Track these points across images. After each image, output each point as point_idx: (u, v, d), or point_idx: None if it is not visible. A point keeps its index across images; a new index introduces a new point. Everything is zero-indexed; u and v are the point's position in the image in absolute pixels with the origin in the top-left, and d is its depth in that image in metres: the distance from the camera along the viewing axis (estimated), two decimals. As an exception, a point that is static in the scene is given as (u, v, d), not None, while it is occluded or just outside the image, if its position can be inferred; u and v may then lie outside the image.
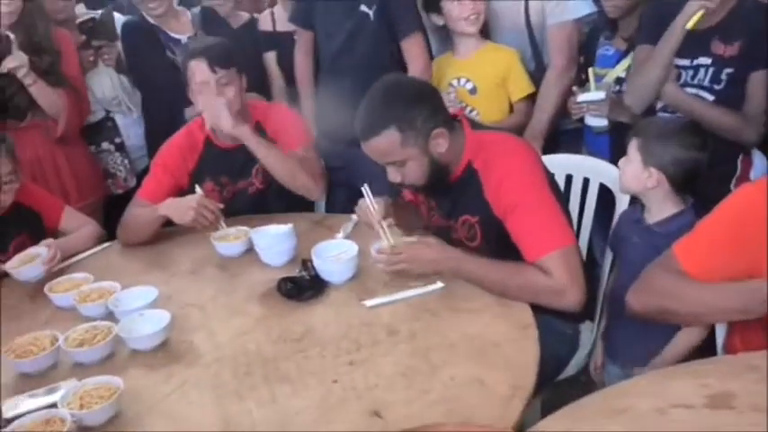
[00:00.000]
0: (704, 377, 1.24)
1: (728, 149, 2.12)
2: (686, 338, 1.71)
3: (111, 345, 1.60)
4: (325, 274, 1.83)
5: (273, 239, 2.00)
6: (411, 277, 1.77)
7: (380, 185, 1.93)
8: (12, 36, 2.40)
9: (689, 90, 2.16)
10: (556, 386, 1.95)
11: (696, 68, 2.15)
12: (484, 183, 1.80)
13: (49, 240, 2.07)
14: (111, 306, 1.75)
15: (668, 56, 2.13)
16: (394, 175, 1.83)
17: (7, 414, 1.38)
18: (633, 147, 1.83)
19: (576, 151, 2.52)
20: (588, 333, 2.05)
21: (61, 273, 2.01)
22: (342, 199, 2.49)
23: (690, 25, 2.07)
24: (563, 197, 1.97)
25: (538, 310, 1.65)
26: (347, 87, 2.55)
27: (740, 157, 2.12)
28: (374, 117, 1.76)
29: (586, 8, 2.50)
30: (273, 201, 2.32)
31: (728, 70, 2.10)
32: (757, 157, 2.12)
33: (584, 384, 2.00)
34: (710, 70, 2.12)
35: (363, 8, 2.56)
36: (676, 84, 2.16)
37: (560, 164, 2.23)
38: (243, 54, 2.48)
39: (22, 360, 1.56)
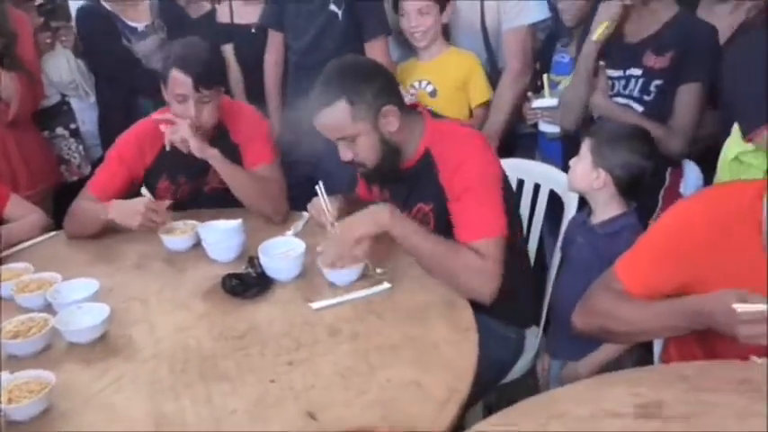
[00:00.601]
0: (637, 385, 1.27)
1: (657, 161, 2.15)
2: (610, 349, 1.77)
3: (46, 337, 1.57)
4: (271, 272, 1.81)
5: (221, 235, 1.98)
6: (353, 251, 1.75)
7: (342, 183, 1.92)
8: None
9: (620, 100, 2.19)
10: (501, 390, 1.97)
11: (628, 79, 2.19)
12: (440, 168, 1.82)
13: None
14: (49, 298, 1.72)
15: (586, 70, 2.17)
16: (345, 153, 1.83)
17: (-68, 409, 1.34)
18: (585, 146, 1.88)
19: (531, 156, 2.55)
20: (533, 338, 2.07)
21: (2, 262, 1.96)
22: (304, 195, 2.47)
23: (595, 37, 2.12)
24: (513, 197, 2.00)
25: (481, 313, 1.66)
26: (314, 84, 2.54)
27: (669, 169, 2.15)
28: (326, 90, 1.78)
29: (541, 14, 2.54)
30: (231, 199, 2.24)
31: (657, 82, 2.13)
32: (690, 169, 2.15)
33: (530, 388, 2.02)
34: (640, 81, 2.16)
35: (332, 7, 2.58)
36: (605, 94, 2.18)
37: (513, 167, 2.24)
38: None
39: (-48, 351, 1.53)
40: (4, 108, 2.51)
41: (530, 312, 2.06)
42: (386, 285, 1.75)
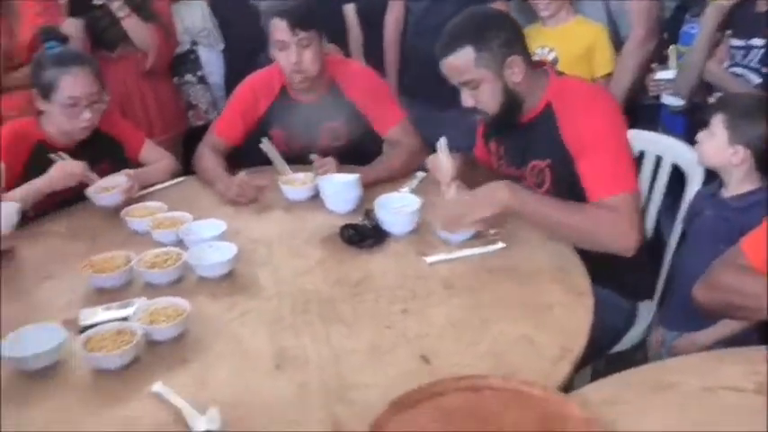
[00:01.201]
0: (755, 364, 1.24)
1: None
2: (734, 324, 1.72)
3: (180, 270, 1.69)
4: (386, 225, 1.87)
5: (339, 187, 2.05)
6: (474, 225, 1.75)
7: (458, 147, 1.94)
8: None
9: (737, 70, 2.12)
10: (609, 359, 1.96)
11: (749, 49, 2.11)
12: (561, 123, 1.81)
13: (129, 171, 2.17)
14: (181, 235, 1.84)
15: (706, 34, 2.10)
16: (467, 99, 1.85)
17: (84, 322, 1.48)
18: (718, 122, 1.81)
19: (653, 128, 2.49)
20: (645, 311, 2.04)
21: (138, 200, 2.11)
22: None
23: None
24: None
25: (597, 283, 1.66)
26: (431, 49, 2.57)
27: None
28: (452, 35, 1.81)
29: None
30: (346, 160, 2.31)
31: None
32: None
33: (639, 361, 1.99)
34: (761, 52, 2.08)
35: None
36: (720, 62, 2.12)
37: (635, 138, 2.16)
38: (324, 12, 2.48)
39: (99, 275, 1.67)
40: (142, 58, 2.66)
41: (643, 285, 2.03)
42: (500, 245, 1.77)
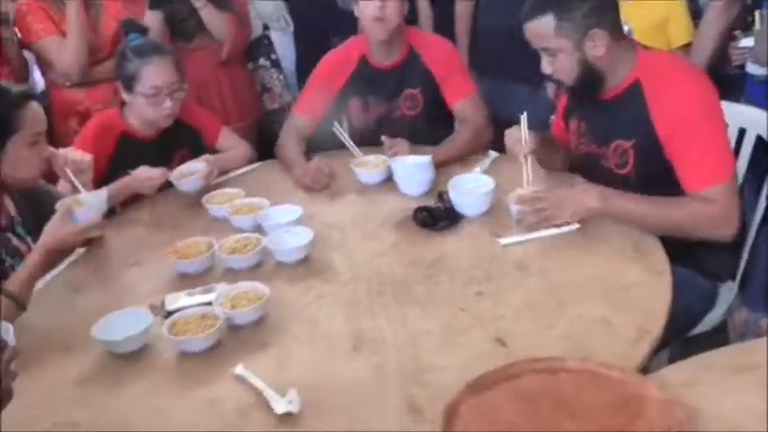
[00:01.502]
0: None
1: None
2: None
3: (259, 255, 1.74)
4: (459, 207, 1.87)
5: (412, 169, 2.06)
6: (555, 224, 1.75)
7: (531, 124, 1.92)
8: None
9: None
10: (687, 342, 1.91)
11: None
12: (650, 101, 1.76)
13: (208, 156, 2.24)
14: (259, 220, 1.89)
15: None
16: (546, 65, 1.83)
17: (170, 307, 1.54)
18: None
19: (737, 99, 2.38)
20: (726, 292, 1.98)
21: (216, 187, 2.17)
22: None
23: None
24: None
25: (675, 262, 1.62)
26: (505, 24, 2.55)
27: None
28: (533, 3, 1.79)
29: None
30: (422, 128, 2.36)
31: None
32: None
33: (718, 343, 1.93)
34: None
35: None
36: None
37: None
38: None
39: (182, 261, 1.74)
40: (218, 47, 2.72)
41: (725, 265, 1.96)
42: (575, 226, 1.74)
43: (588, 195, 1.73)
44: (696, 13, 2.45)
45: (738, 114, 2.15)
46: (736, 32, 2.32)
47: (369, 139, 2.34)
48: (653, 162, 1.76)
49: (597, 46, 1.76)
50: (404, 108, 2.39)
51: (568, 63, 1.78)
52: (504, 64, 2.71)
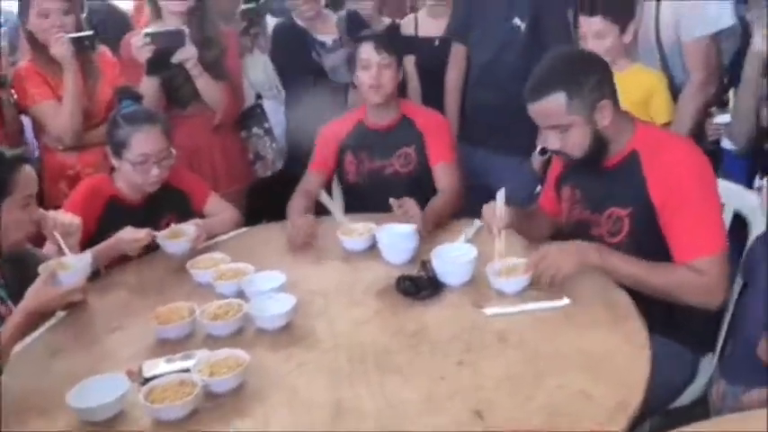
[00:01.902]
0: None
1: None
2: None
3: (240, 321, 1.74)
4: (442, 276, 1.88)
5: (396, 238, 2.08)
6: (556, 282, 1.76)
7: (516, 195, 1.97)
8: (186, 30, 2.62)
9: None
10: (668, 414, 1.90)
11: None
12: (646, 170, 1.80)
13: (197, 221, 2.27)
14: (243, 286, 1.89)
15: (748, 84, 2.10)
16: (554, 142, 1.85)
17: (147, 374, 1.53)
18: None
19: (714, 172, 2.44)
20: (707, 364, 1.98)
21: (202, 251, 2.19)
22: (476, 203, 2.54)
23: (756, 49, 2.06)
24: None
25: (655, 332, 1.63)
26: (492, 98, 2.64)
27: None
28: (543, 79, 1.82)
29: (724, 21, 2.35)
30: (413, 186, 2.46)
31: None
32: None
33: (699, 417, 1.93)
34: None
35: (516, 21, 2.63)
36: None
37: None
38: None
39: (163, 326, 1.73)
40: (211, 114, 2.78)
41: (706, 336, 1.97)
42: (565, 301, 1.73)
43: (589, 252, 1.76)
44: (673, 91, 2.52)
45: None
46: (712, 109, 2.39)
47: (361, 196, 2.49)
48: (647, 231, 1.80)
49: (605, 116, 1.82)
50: (397, 165, 2.51)
51: (581, 136, 1.82)
52: (493, 136, 2.77)
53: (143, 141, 2.20)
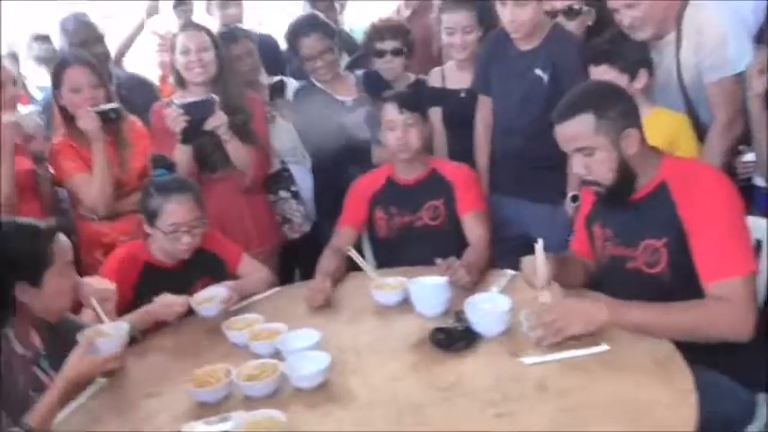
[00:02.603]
0: None
1: None
2: None
3: (276, 381, 1.74)
4: (476, 327, 1.87)
5: (429, 291, 2.08)
6: (572, 338, 1.73)
7: (550, 243, 1.96)
8: (216, 99, 2.69)
9: None
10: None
11: None
12: (677, 200, 1.81)
13: (230, 283, 2.29)
14: (278, 345, 1.90)
15: (756, 121, 2.16)
16: (579, 166, 1.86)
17: (185, 437, 1.54)
18: None
19: (748, 211, 2.40)
20: (765, 406, 1.91)
21: (237, 312, 2.20)
22: (505, 252, 2.54)
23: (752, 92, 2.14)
24: None
25: (711, 367, 1.59)
26: (520, 147, 2.66)
27: None
28: (573, 101, 1.87)
29: (747, 60, 2.33)
30: (443, 239, 2.48)
31: None
32: None
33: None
34: None
35: (538, 72, 2.67)
36: None
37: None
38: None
39: (200, 389, 1.74)
40: (240, 178, 2.83)
41: (763, 373, 1.90)
42: (603, 347, 1.70)
43: (596, 307, 1.73)
44: (702, 132, 2.51)
45: (753, 227, 2.16)
46: (742, 147, 2.37)
47: (392, 251, 2.52)
48: (687, 259, 1.78)
49: (632, 144, 1.83)
50: (426, 218, 2.54)
51: (608, 161, 1.83)
52: (522, 185, 2.78)
53: (174, 211, 2.24)
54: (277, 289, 2.46)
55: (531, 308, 1.83)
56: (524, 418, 1.51)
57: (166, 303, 2.18)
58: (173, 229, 2.24)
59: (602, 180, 1.86)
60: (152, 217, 2.27)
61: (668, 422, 1.43)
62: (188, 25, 2.99)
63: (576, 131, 1.84)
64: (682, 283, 1.77)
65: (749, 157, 2.34)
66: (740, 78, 2.32)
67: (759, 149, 2.25)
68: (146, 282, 2.29)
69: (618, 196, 1.88)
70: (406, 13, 3.85)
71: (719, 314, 1.66)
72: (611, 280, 1.96)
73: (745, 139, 2.39)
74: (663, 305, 1.72)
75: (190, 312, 2.23)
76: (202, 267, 2.37)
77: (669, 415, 1.45)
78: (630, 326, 1.70)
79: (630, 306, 1.73)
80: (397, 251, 2.52)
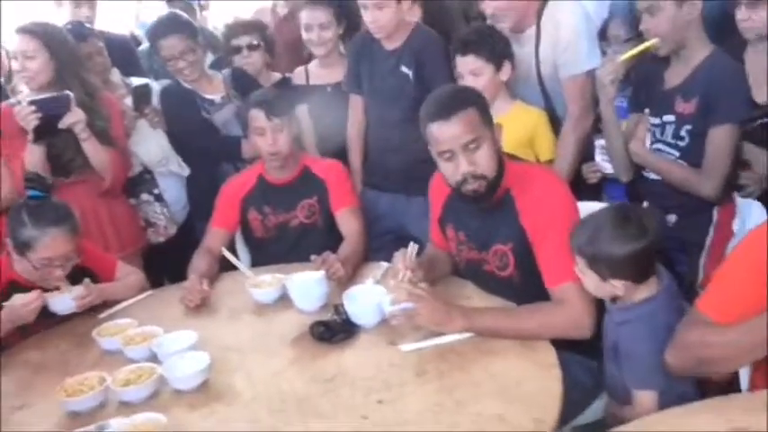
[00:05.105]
0: (727, 414, 1.29)
1: (703, 200, 2.25)
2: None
3: (154, 384, 1.70)
4: (355, 318, 1.91)
5: (306, 286, 2.09)
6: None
7: (425, 233, 2.04)
8: (71, 94, 2.55)
9: (658, 146, 2.33)
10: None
11: (663, 126, 2.32)
12: (520, 208, 1.91)
13: (87, 281, 2.16)
14: (154, 348, 1.85)
15: (608, 124, 2.38)
16: (464, 164, 1.87)
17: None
18: (582, 265, 1.72)
19: (598, 199, 2.60)
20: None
21: (108, 318, 2.12)
22: (382, 246, 2.60)
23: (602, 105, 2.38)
24: None
25: (563, 350, 1.72)
26: (392, 140, 2.72)
27: (715, 208, 2.25)
28: (456, 98, 1.93)
29: (596, 60, 2.55)
30: (319, 236, 2.52)
31: (688, 126, 2.25)
32: (749, 208, 2.19)
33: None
34: (673, 127, 2.29)
35: (404, 69, 2.74)
36: (642, 143, 2.33)
37: (582, 211, 2.29)
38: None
39: (72, 399, 1.66)
40: (97, 181, 2.72)
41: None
42: (468, 334, 1.79)
43: (456, 318, 1.79)
44: (558, 124, 2.68)
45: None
46: (594, 136, 2.57)
47: (269, 251, 2.53)
48: (531, 264, 1.89)
49: (499, 138, 1.94)
50: (301, 216, 2.56)
51: (491, 152, 1.88)
52: (397, 179, 2.84)
53: (49, 246, 2.07)
54: (149, 293, 2.38)
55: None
56: (406, 401, 1.57)
57: (20, 302, 2.03)
58: (45, 264, 2.09)
59: (488, 173, 1.89)
60: (23, 248, 2.08)
61: (536, 394, 1.54)
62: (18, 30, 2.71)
63: (465, 125, 1.86)
64: (530, 284, 1.88)
65: (600, 142, 2.54)
66: (590, 74, 2.51)
67: (613, 151, 2.44)
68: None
69: (493, 189, 1.93)
70: (284, 11, 3.84)
71: (561, 317, 1.78)
72: (473, 280, 2.08)
73: (595, 130, 2.59)
74: (512, 311, 1.85)
75: (51, 326, 2.11)
76: (74, 284, 2.17)
77: (537, 387, 1.56)
78: (485, 331, 1.79)
79: (483, 313, 1.84)
80: (274, 250, 2.52)
